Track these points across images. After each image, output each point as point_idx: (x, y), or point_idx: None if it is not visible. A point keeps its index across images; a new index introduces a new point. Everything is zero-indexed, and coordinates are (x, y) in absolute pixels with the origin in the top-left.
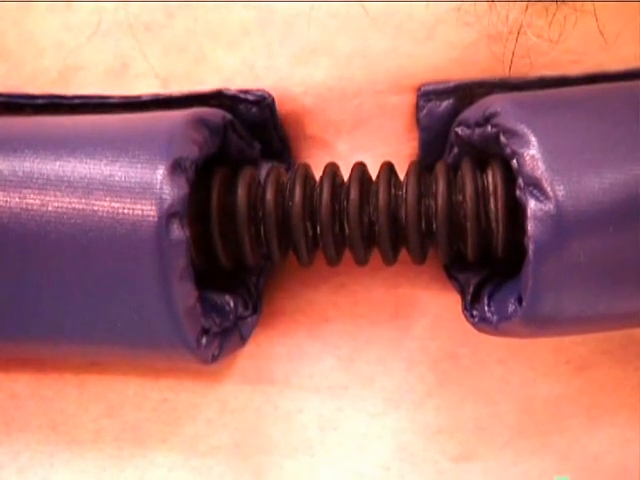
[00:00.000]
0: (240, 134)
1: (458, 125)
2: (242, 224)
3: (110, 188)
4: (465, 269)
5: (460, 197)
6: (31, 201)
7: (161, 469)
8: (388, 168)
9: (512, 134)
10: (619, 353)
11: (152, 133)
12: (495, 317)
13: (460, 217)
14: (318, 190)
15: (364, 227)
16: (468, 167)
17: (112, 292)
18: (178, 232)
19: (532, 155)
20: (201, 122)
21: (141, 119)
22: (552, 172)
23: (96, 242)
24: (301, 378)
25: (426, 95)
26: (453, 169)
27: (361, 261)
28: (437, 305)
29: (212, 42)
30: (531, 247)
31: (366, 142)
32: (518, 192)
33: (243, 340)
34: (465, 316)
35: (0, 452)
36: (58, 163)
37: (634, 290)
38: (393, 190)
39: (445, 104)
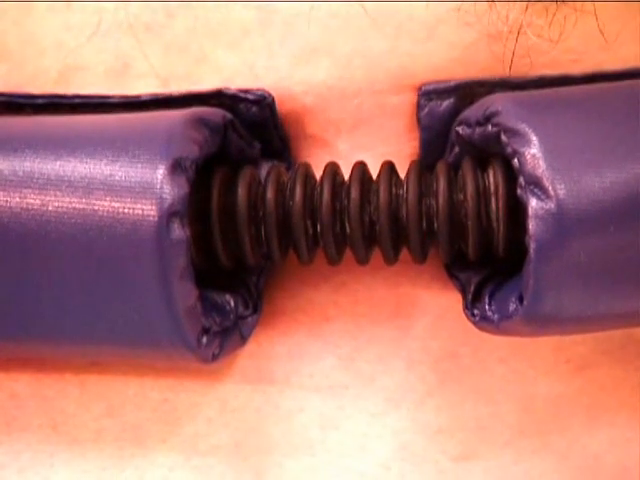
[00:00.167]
0: (240, 134)
1: (459, 124)
2: (242, 223)
3: (110, 188)
4: (466, 268)
5: (461, 196)
6: (31, 201)
7: (161, 469)
8: (389, 167)
9: (513, 133)
10: (619, 352)
11: (152, 133)
12: (496, 316)
13: (461, 216)
14: (319, 189)
15: (365, 226)
16: (469, 166)
17: (112, 292)
18: (178, 232)
19: (533, 154)
20: (201, 122)
21: (141, 119)
22: (553, 171)
23: (96, 242)
24: (302, 377)
25: (427, 94)
26: (454, 168)
27: (362, 260)
28: (438, 304)
29: (212, 42)
30: (532, 246)
31: (366, 142)
32: (519, 191)
33: (243, 339)
34: (466, 315)
35: (1, 452)
36: (58, 163)
37: (635, 289)
38: (394, 189)
39: (446, 103)
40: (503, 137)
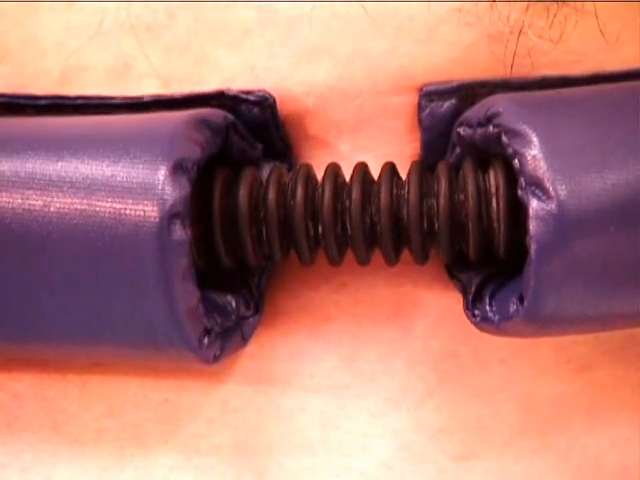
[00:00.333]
0: (242, 135)
1: (460, 125)
2: (244, 224)
3: (112, 189)
4: (467, 269)
5: (462, 197)
6: (33, 202)
7: (162, 469)
8: (390, 168)
9: (514, 134)
10: (620, 353)
11: (154, 134)
12: (497, 316)
13: (462, 217)
14: (320, 190)
15: (366, 227)
16: (470, 167)
17: (114, 292)
18: (180, 232)
19: (534, 155)
20: (203, 123)
21: (143, 120)
22: (554, 172)
23: (98, 242)
24: (302, 378)
25: (428, 95)
26: (455, 169)
27: (363, 261)
28: (438, 305)
29: (213, 42)
30: (533, 247)
31: (368, 142)
32: (520, 192)
33: (245, 340)
34: (467, 315)
35: (3, 452)
36: (60, 164)
37: (635, 290)
38: (395, 190)
39: (447, 104)
40: (504, 138)
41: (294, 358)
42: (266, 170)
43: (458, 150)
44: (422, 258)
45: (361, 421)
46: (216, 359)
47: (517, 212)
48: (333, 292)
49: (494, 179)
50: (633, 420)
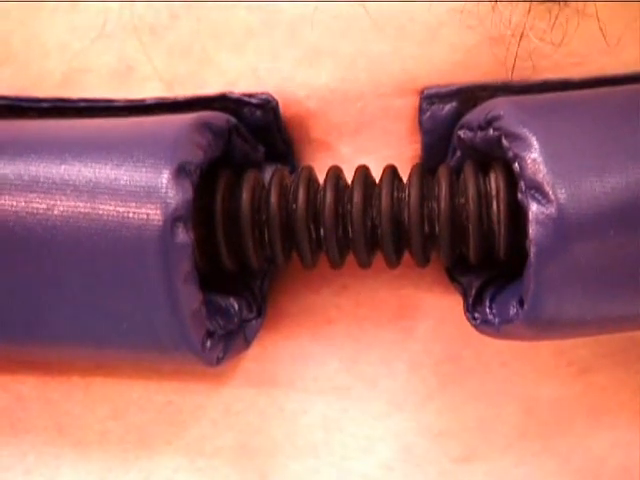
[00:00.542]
0: (244, 137)
1: (461, 128)
2: (246, 227)
3: (115, 192)
4: (467, 271)
5: (462, 200)
6: (37, 205)
7: (166, 470)
8: (391, 171)
9: (514, 137)
10: (621, 355)
11: (157, 137)
12: (497, 319)
13: (462, 220)
14: (322, 193)
15: (367, 230)
16: (470, 170)
17: (117, 295)
18: (183, 236)
19: (534, 158)
20: (205, 126)
21: (146, 123)
22: (554, 175)
23: (101, 245)
24: (305, 380)
25: (429, 98)
26: (456, 172)
27: (364, 264)
28: (440, 307)
29: (216, 44)
30: (533, 250)
31: (369, 145)
32: (520, 195)
33: (247, 342)
34: (467, 318)
35: (7, 453)
36: (63, 167)
37: (635, 293)
38: (396, 193)
39: (448, 107)
40: (504, 141)
41: (297, 361)
42: (268, 172)
43: (459, 153)
44: (423, 261)
45: (363, 423)
46: (219, 361)
47: (517, 215)
48: (335, 295)
49: (495, 182)
50: (634, 422)
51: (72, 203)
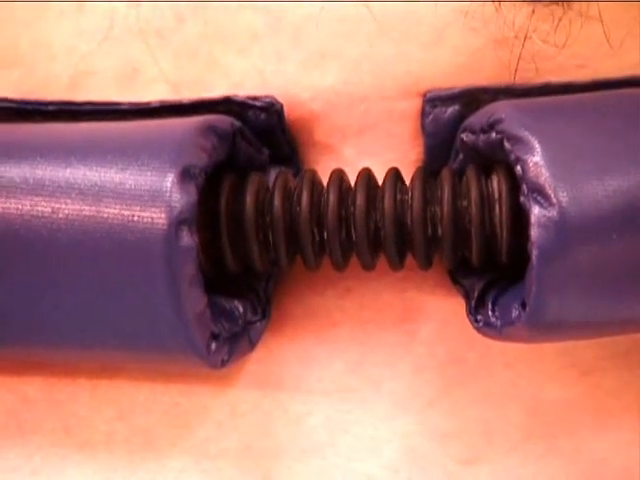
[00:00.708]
0: (249, 140)
1: (463, 131)
2: (250, 230)
3: (120, 195)
4: (469, 274)
5: (465, 203)
6: (42, 208)
7: (172, 472)
8: (394, 174)
9: (516, 141)
10: (624, 357)
11: (162, 141)
12: (499, 322)
13: (465, 223)
14: (325, 196)
15: (370, 233)
16: (473, 173)
17: (122, 298)
18: (187, 239)
19: (536, 162)
20: (210, 129)
21: (151, 127)
22: (556, 179)
23: (106, 249)
24: (310, 382)
25: (432, 101)
26: (458, 175)
27: (368, 266)
28: (443, 310)
29: (222, 47)
30: (534, 253)
31: (373, 147)
32: (522, 198)
33: (252, 345)
34: (469, 321)
35: (14, 454)
36: (69, 170)
37: (637, 296)
38: (399, 196)
39: (450, 110)
40: (506, 144)
41: (301, 362)
42: (272, 175)
43: (461, 156)
44: (426, 263)
45: (368, 425)
46: (224, 364)
47: (520, 218)
48: (339, 297)
49: (497, 185)
50: (638, 424)
51: (77, 206)
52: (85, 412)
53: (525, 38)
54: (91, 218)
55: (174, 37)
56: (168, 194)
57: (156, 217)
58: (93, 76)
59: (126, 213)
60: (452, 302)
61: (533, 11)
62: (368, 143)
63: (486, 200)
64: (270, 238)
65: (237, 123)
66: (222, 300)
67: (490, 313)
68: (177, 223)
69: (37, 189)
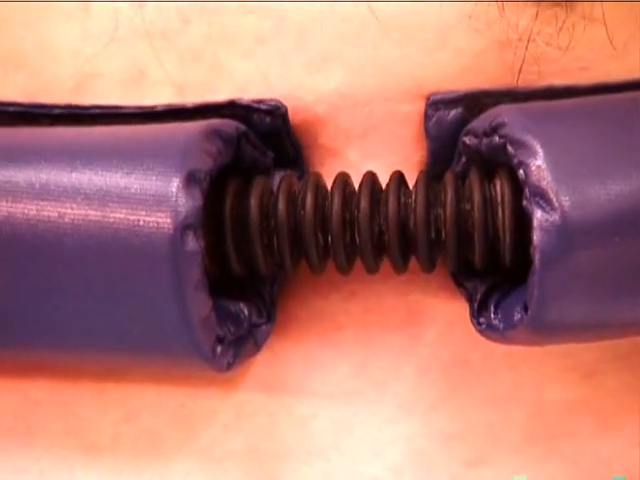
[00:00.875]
0: (253, 144)
1: (466, 134)
2: (255, 234)
3: (126, 200)
4: (472, 277)
5: (468, 206)
6: (48, 212)
7: (178, 474)
8: (397, 177)
9: (519, 144)
10: (626, 360)
11: (167, 145)
12: (501, 325)
13: (468, 226)
14: (329, 200)
15: (374, 236)
16: (476, 177)
17: (127, 302)
18: (193, 243)
19: (538, 166)
20: (215, 134)
21: (156, 131)
22: (558, 183)
23: (112, 253)
24: (315, 384)
25: (435, 104)
26: (461, 177)
27: (371, 269)
28: (447, 312)
29: (227, 50)
30: (537, 257)
31: (376, 150)
32: (525, 202)
33: (257, 347)
34: (472, 323)
35: (22, 456)
36: (74, 175)
37: (638, 300)
38: (403, 199)
39: (453, 113)
40: (509, 148)
41: (306, 365)
42: (277, 178)
43: (464, 159)
44: (429, 266)
45: (373, 427)
46: (229, 367)
47: (522, 221)
48: (343, 301)
49: (500, 189)
50: (639, 425)
51: (83, 211)
52: (92, 414)
53: (529, 41)
54: (97, 222)
55: (179, 39)
56: (174, 199)
57: (162, 222)
58: (99, 78)
59: (132, 218)
60: (456, 305)
61: (537, 14)
62: (372, 145)
63: (489, 203)
64: (275, 241)
65: (242, 127)
66: (227, 303)
67: (493, 316)
68: (182, 228)
69: (43, 193)
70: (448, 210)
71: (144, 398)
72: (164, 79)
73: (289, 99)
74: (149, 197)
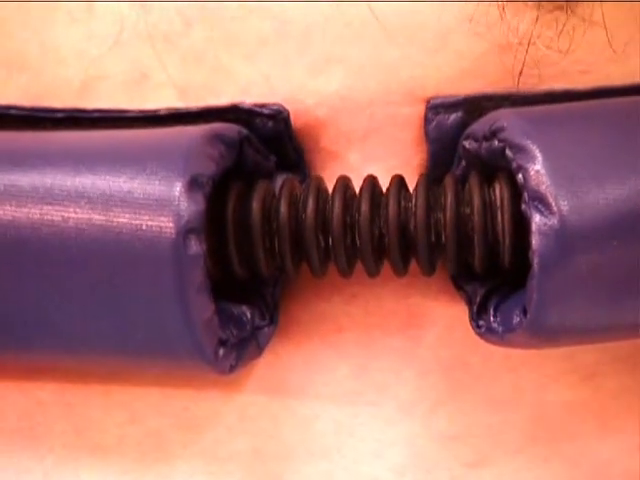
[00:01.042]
0: (256, 148)
1: (466, 138)
2: (256, 237)
3: (129, 204)
4: (472, 280)
5: (468, 210)
6: (52, 217)
7: (182, 474)
8: (398, 181)
9: (518, 149)
10: (626, 362)
11: (169, 150)
12: (501, 328)
13: (468, 229)
14: (330, 203)
15: (375, 239)
16: (475, 181)
17: (130, 306)
18: (195, 247)
19: (537, 170)
20: (217, 138)
21: (159, 135)
22: (556, 187)
23: (115, 257)
24: (317, 386)
25: (435, 108)
26: (461, 181)
27: (372, 272)
28: (447, 315)
29: (229, 52)
30: (535, 261)
31: (377, 152)
32: (523, 206)
33: (260, 349)
34: (472, 326)
35: (27, 456)
36: (78, 179)
37: (637, 303)
38: (403, 203)
39: (453, 117)
40: (508, 152)
41: (308, 367)
42: (279, 181)
43: (464, 163)
44: (429, 270)
45: (374, 428)
46: (232, 369)
47: (522, 225)
48: (345, 303)
49: (499, 193)
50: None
51: (87, 215)
52: (97, 415)
53: (529, 44)
54: (100, 226)
55: (182, 42)
56: (176, 203)
57: (164, 226)
58: (103, 81)
59: (135, 222)
60: (456, 308)
61: (537, 17)
62: (373, 148)
63: (488, 207)
64: (276, 244)
65: (244, 131)
66: (230, 306)
67: (492, 319)
68: (185, 232)
69: (47, 197)
70: (448, 214)
71: (149, 400)
72: (167, 82)
73: (291, 102)
74: (152, 201)
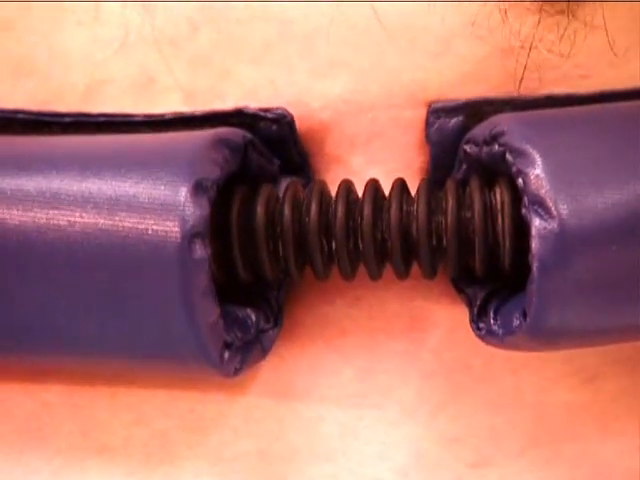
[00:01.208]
0: (260, 152)
1: (467, 143)
2: (260, 240)
3: (134, 209)
4: (473, 283)
5: (469, 214)
6: (58, 221)
7: (188, 475)
8: (400, 185)
9: (518, 153)
10: (626, 364)
11: (175, 154)
12: (501, 330)
13: (469, 233)
14: (333, 207)
15: (377, 243)
16: (476, 185)
17: (136, 310)
18: (200, 251)
19: (537, 174)
20: (222, 142)
21: (164, 140)
22: (556, 191)
23: (120, 261)
24: (321, 389)
25: (436, 112)
26: (462, 185)
27: (375, 276)
28: (449, 318)
29: (235, 56)
30: (535, 265)
31: (379, 156)
32: (523, 210)
33: (264, 352)
34: (472, 329)
35: (34, 457)
36: (84, 184)
37: (637, 306)
38: (405, 207)
39: (454, 121)
40: (508, 157)
41: (313, 370)
42: (283, 185)
43: (465, 167)
44: (431, 273)
45: (378, 430)
46: (237, 372)
47: (522, 229)
48: (348, 306)
49: (500, 197)
50: None
51: (93, 219)
52: (104, 416)
53: (531, 48)
54: (106, 231)
55: (188, 46)
56: (181, 207)
57: (170, 230)
58: (109, 85)
59: (140, 226)
60: (458, 310)
61: (539, 21)
62: (375, 152)
63: (489, 211)
64: (280, 248)
65: (248, 135)
66: (235, 309)
67: (492, 322)
68: (190, 236)
69: (53, 202)
70: (449, 218)
71: (155, 402)
72: (173, 85)
73: (296, 105)
74: (157, 206)
